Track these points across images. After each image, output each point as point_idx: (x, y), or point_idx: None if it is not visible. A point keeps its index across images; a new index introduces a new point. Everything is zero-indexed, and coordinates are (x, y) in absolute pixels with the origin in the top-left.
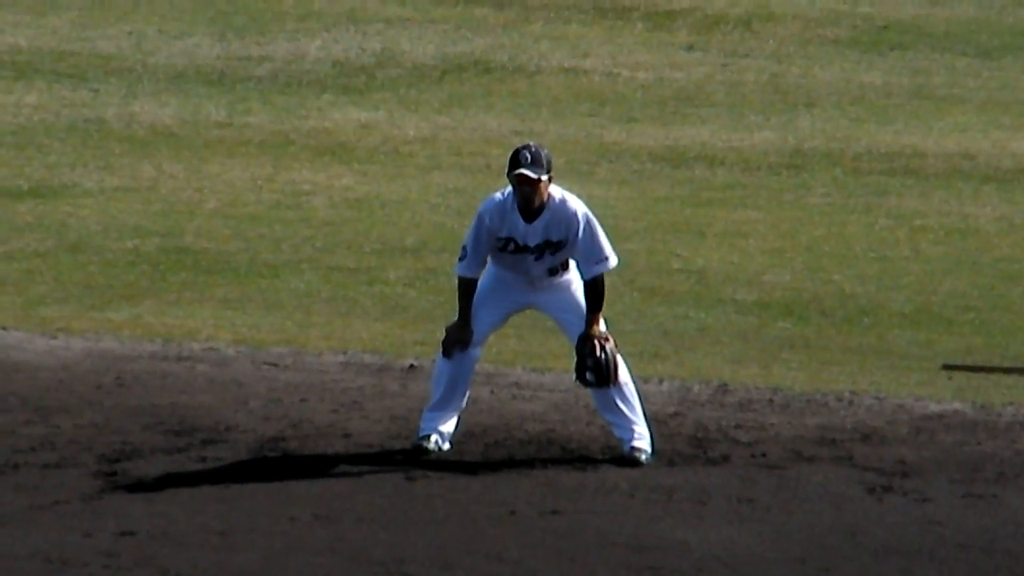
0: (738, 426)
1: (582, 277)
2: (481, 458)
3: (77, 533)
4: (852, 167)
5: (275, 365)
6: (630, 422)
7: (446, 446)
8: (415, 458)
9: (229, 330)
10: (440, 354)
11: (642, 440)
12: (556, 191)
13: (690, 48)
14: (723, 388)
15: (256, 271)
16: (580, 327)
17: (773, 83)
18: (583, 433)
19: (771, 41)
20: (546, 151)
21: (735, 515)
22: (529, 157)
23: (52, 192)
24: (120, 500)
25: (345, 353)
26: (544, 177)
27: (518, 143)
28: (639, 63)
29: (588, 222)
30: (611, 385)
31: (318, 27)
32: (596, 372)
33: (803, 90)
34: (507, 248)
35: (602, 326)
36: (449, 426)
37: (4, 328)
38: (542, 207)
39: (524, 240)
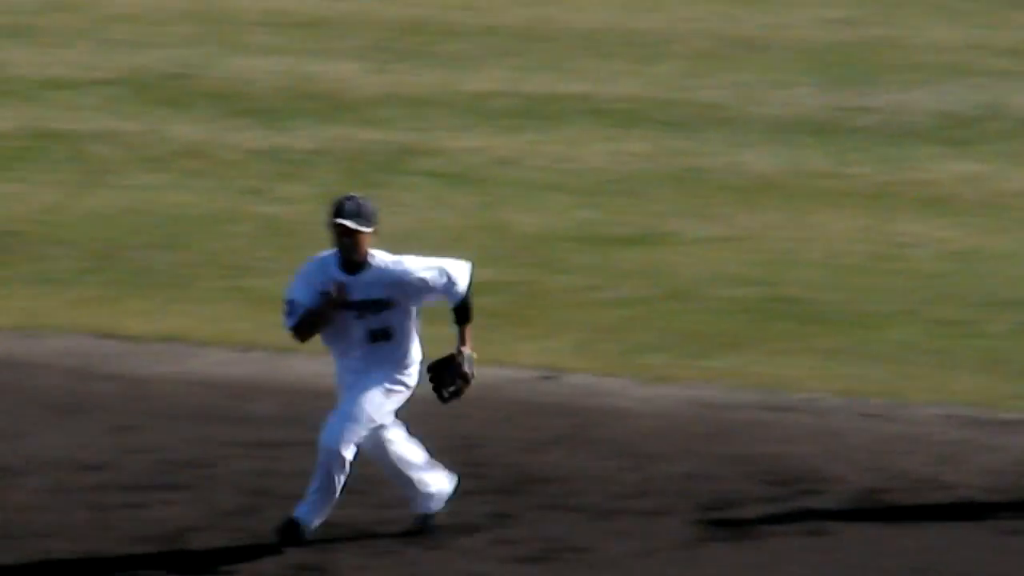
0: None
1: (450, 307)
2: None
3: None
4: None
5: (875, 416)
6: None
7: None
8: (1015, 514)
9: (829, 380)
10: None
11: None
12: (380, 253)
13: None
14: None
15: (857, 322)
16: (352, 408)
17: None
18: None
19: None
20: (371, 204)
21: None
22: (352, 208)
23: (655, 240)
24: (718, 549)
25: (945, 406)
26: (365, 230)
27: None
28: None
29: (429, 271)
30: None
31: (924, 79)
32: (453, 395)
33: None
34: None
35: (469, 349)
36: None
37: (605, 375)
38: (364, 263)
39: (347, 295)
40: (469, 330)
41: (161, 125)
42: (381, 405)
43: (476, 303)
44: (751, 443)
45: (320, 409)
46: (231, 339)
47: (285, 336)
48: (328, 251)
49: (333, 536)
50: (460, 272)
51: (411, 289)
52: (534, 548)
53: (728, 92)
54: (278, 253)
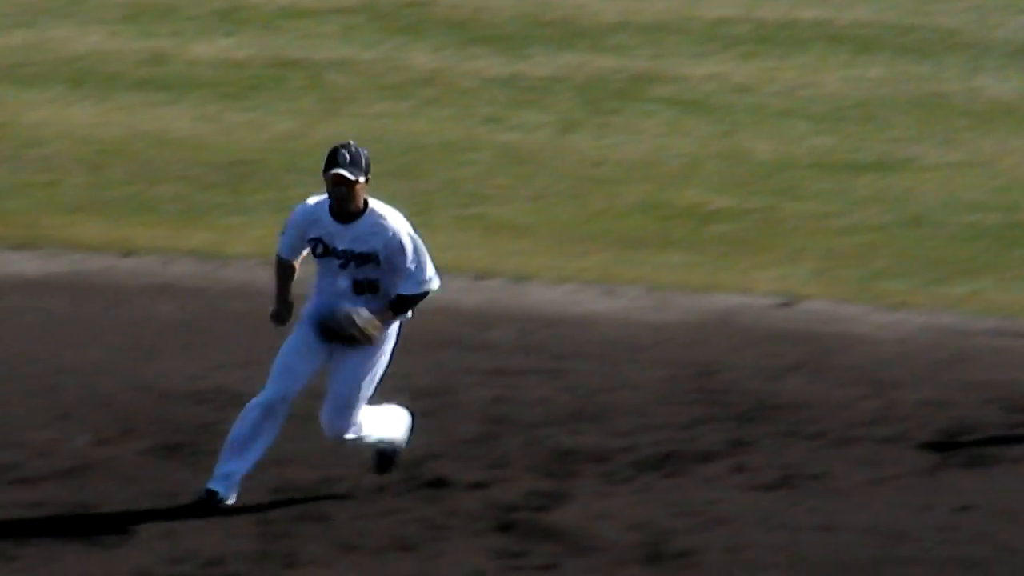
0: None
1: (400, 291)
2: None
3: (914, 507)
4: None
5: None
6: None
7: None
8: None
9: None
10: None
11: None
12: (379, 205)
13: None
14: None
15: None
16: (342, 396)
17: None
18: None
19: None
20: (366, 152)
21: None
22: (348, 157)
23: (893, 166)
24: (957, 475)
25: None
26: (361, 179)
27: None
28: None
29: (414, 243)
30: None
31: None
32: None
33: None
34: (316, 251)
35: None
36: None
37: (843, 301)
38: (358, 213)
39: (332, 243)
40: (389, 316)
41: (398, 53)
42: (372, 380)
43: (713, 230)
44: (989, 369)
45: (557, 337)
46: (468, 266)
47: (522, 264)
48: (320, 197)
49: (570, 463)
50: (430, 275)
51: (389, 252)
52: (772, 475)
53: (966, 16)
54: (515, 181)
